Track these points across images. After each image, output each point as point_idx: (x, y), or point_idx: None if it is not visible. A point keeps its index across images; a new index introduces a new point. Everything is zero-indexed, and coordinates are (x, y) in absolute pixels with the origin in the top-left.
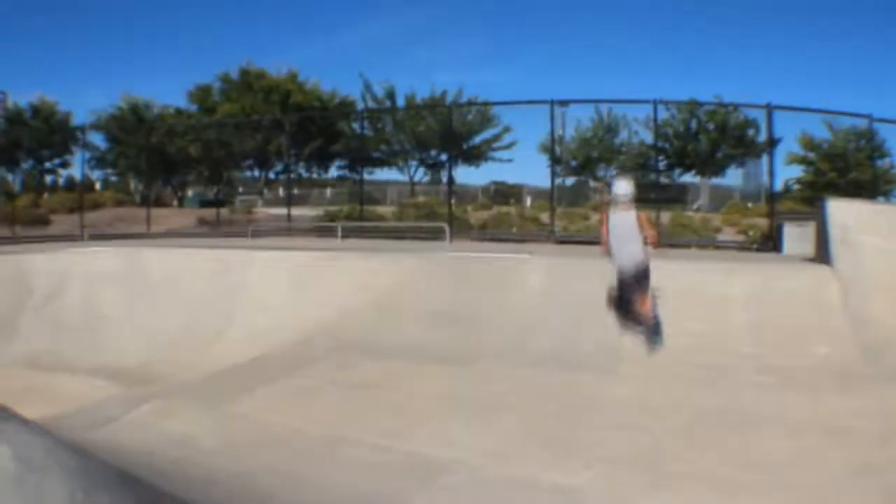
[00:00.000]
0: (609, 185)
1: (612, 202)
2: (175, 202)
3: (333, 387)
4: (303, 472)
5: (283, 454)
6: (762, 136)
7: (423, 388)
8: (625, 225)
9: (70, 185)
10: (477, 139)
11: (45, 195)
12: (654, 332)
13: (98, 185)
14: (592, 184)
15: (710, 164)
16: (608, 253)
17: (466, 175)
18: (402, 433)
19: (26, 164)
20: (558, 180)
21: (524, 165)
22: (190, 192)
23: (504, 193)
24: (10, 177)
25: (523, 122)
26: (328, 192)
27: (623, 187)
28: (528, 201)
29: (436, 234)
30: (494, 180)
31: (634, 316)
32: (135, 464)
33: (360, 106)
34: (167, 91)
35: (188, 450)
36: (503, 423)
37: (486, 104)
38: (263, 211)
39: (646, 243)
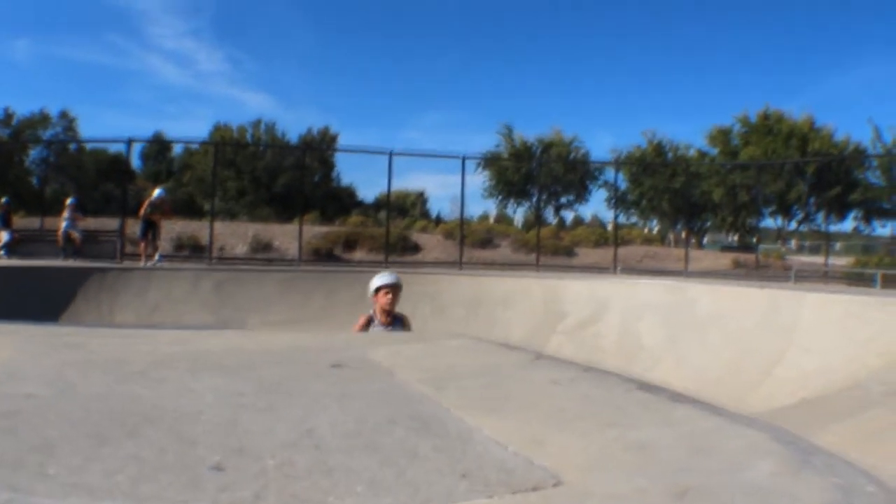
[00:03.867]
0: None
1: None
2: (691, 246)
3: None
4: None
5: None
6: None
7: None
8: None
9: (577, 221)
10: None
11: (555, 228)
12: None
13: (612, 225)
14: None
15: None
16: None
17: None
18: None
19: (535, 198)
20: None
21: None
22: (705, 238)
23: None
24: (516, 209)
25: None
26: (837, 245)
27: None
28: None
29: None
30: None
31: None
32: None
33: (869, 153)
34: (683, 130)
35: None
36: None
37: None
38: (794, 258)
39: None
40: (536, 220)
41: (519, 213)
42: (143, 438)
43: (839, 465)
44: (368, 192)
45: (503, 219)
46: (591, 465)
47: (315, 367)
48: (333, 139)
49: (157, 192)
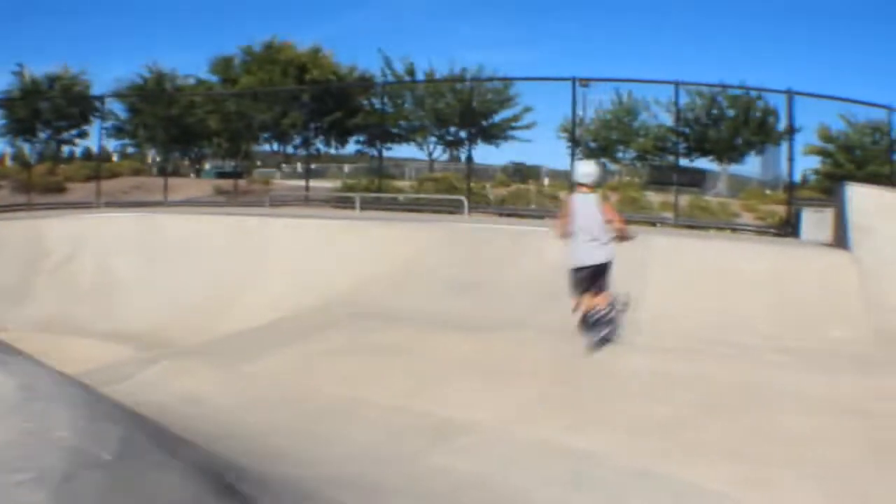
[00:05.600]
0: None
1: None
2: (192, 174)
3: (351, 350)
4: (319, 430)
5: (299, 413)
6: (782, 125)
7: (443, 354)
8: (586, 213)
9: (87, 155)
10: (496, 118)
11: (61, 165)
12: (601, 330)
13: (115, 156)
14: (611, 166)
15: (730, 151)
16: (564, 236)
17: (485, 154)
18: (421, 395)
19: (44, 135)
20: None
21: (543, 146)
22: (207, 165)
23: (523, 173)
24: (26, 147)
25: (543, 101)
26: (346, 167)
27: (583, 169)
28: (546, 182)
29: (454, 208)
30: (513, 161)
31: (584, 312)
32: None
33: (379, 82)
34: (193, 63)
35: (202, 407)
36: (521, 389)
37: (506, 80)
38: (281, 183)
39: (614, 236)
40: (42, 159)
41: (30, 152)
42: None
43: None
44: None
45: (21, 157)
46: None
47: None
48: None
49: None
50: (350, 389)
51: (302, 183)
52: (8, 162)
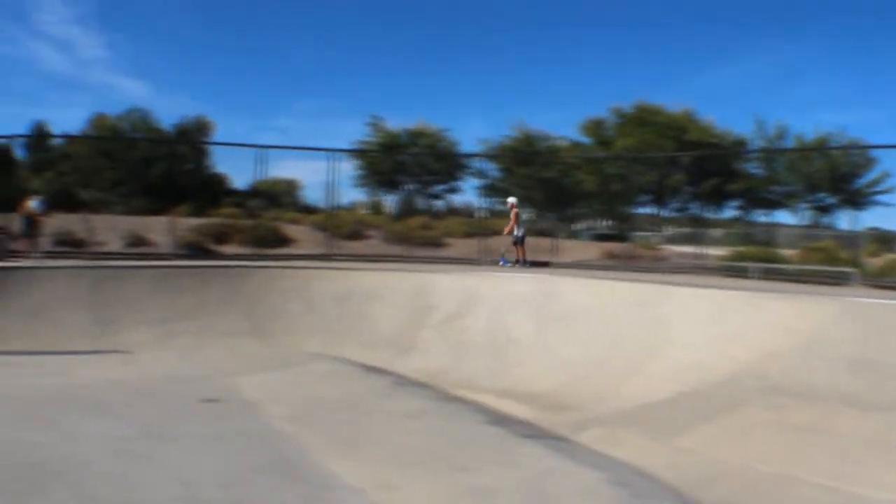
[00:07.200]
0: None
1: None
2: (563, 235)
3: (771, 427)
4: None
5: (738, 489)
6: None
7: (858, 433)
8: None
9: (451, 210)
10: (860, 182)
11: (428, 218)
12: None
13: (482, 213)
14: None
15: None
16: (511, 231)
17: (848, 220)
18: (848, 476)
19: (407, 188)
20: None
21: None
22: (577, 226)
23: (883, 239)
24: (388, 199)
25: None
26: (716, 232)
27: (513, 200)
28: None
29: (836, 280)
30: (869, 226)
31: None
32: None
33: (750, 145)
34: (551, 122)
35: (652, 483)
36: None
37: (874, 146)
38: (668, 248)
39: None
40: (405, 212)
41: (391, 203)
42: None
43: None
44: (242, 178)
45: (377, 207)
46: None
47: (188, 403)
48: (206, 126)
49: (33, 203)
50: (779, 467)
51: (686, 248)
52: (362, 210)
